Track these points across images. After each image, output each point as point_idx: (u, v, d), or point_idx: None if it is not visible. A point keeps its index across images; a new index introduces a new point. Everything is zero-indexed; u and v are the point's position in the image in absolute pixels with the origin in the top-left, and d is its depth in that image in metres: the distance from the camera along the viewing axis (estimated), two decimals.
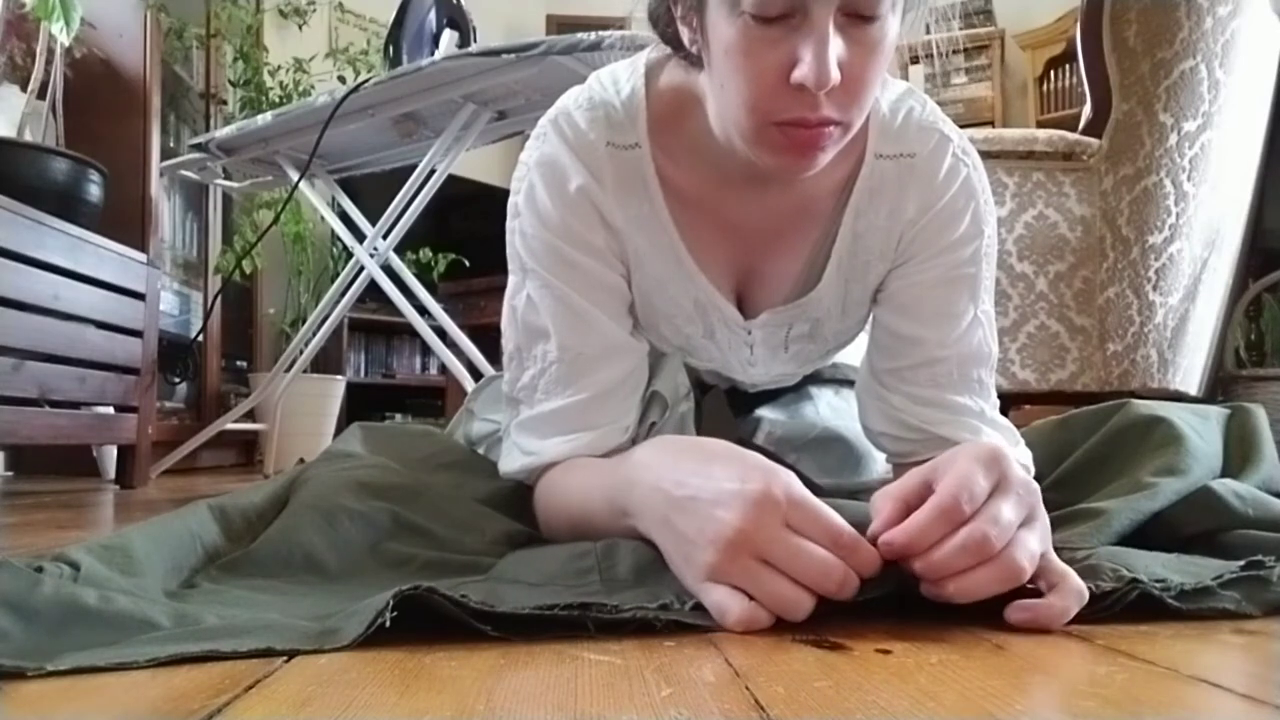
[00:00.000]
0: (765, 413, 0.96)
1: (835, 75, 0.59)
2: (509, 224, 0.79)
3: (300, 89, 3.11)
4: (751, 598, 0.49)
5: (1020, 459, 0.72)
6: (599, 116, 0.76)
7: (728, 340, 0.85)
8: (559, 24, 4.34)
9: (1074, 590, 0.50)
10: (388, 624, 0.45)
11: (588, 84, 0.79)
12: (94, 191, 1.93)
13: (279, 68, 3.14)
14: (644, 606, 0.50)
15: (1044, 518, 0.52)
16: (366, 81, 1.90)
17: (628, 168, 0.76)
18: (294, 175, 2.16)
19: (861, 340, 0.89)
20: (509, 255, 0.79)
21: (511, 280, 0.79)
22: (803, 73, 0.60)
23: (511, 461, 0.78)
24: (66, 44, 2.04)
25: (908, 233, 0.78)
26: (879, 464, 0.93)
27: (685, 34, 0.68)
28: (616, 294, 0.78)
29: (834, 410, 0.99)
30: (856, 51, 0.61)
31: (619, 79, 0.78)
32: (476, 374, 1.91)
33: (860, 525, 0.51)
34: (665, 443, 0.63)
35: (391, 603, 0.46)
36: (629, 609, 0.49)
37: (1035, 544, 0.50)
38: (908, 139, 0.77)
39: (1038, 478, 0.67)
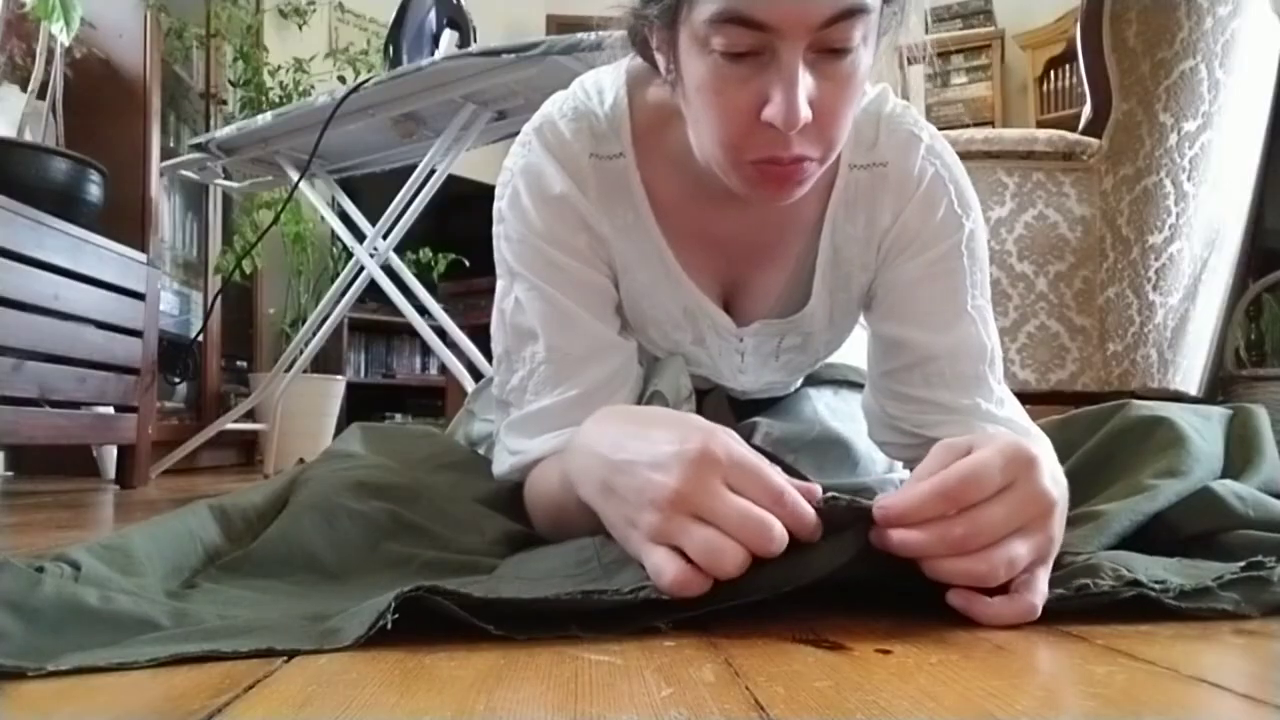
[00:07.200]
0: (763, 413, 0.96)
1: (806, 114, 0.59)
2: (495, 229, 0.80)
3: (300, 89, 3.10)
4: (687, 557, 0.48)
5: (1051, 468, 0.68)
6: (583, 128, 0.77)
7: (718, 347, 0.85)
8: (559, 24, 4.34)
9: (1024, 604, 0.50)
10: (389, 626, 0.45)
11: (572, 90, 0.80)
12: (94, 191, 1.93)
13: (279, 68, 3.14)
14: (642, 585, 0.49)
15: (1051, 533, 0.51)
16: (366, 81, 1.90)
17: (612, 177, 0.77)
18: (294, 175, 2.16)
19: (858, 338, 0.89)
20: (496, 260, 0.80)
21: (499, 284, 0.80)
22: (772, 113, 0.60)
23: (502, 463, 0.78)
24: (66, 44, 2.04)
25: (885, 240, 0.78)
26: (878, 464, 0.93)
27: (661, 61, 0.68)
28: (602, 294, 0.79)
29: (832, 411, 0.99)
30: (828, 87, 0.61)
31: (603, 87, 0.78)
32: (476, 374, 1.91)
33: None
34: (610, 411, 0.62)
35: (393, 604, 0.46)
36: (628, 590, 0.49)
37: (1023, 551, 0.49)
38: (879, 147, 0.77)
39: None
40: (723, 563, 0.47)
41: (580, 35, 1.64)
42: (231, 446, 3.17)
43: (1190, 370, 1.79)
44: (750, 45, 0.59)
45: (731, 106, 0.62)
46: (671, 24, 0.64)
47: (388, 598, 0.47)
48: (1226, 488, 0.70)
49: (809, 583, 0.50)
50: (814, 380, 1.02)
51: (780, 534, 0.47)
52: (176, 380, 2.68)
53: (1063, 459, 0.81)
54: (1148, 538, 0.67)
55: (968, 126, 3.60)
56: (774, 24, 0.58)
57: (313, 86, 3.11)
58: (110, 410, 1.99)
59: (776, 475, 0.50)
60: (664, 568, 0.48)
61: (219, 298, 2.69)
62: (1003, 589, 0.50)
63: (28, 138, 2.00)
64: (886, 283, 0.79)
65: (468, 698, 0.38)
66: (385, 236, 2.10)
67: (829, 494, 0.51)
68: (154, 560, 0.58)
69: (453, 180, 2.16)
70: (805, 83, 0.59)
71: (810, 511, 0.49)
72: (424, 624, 0.47)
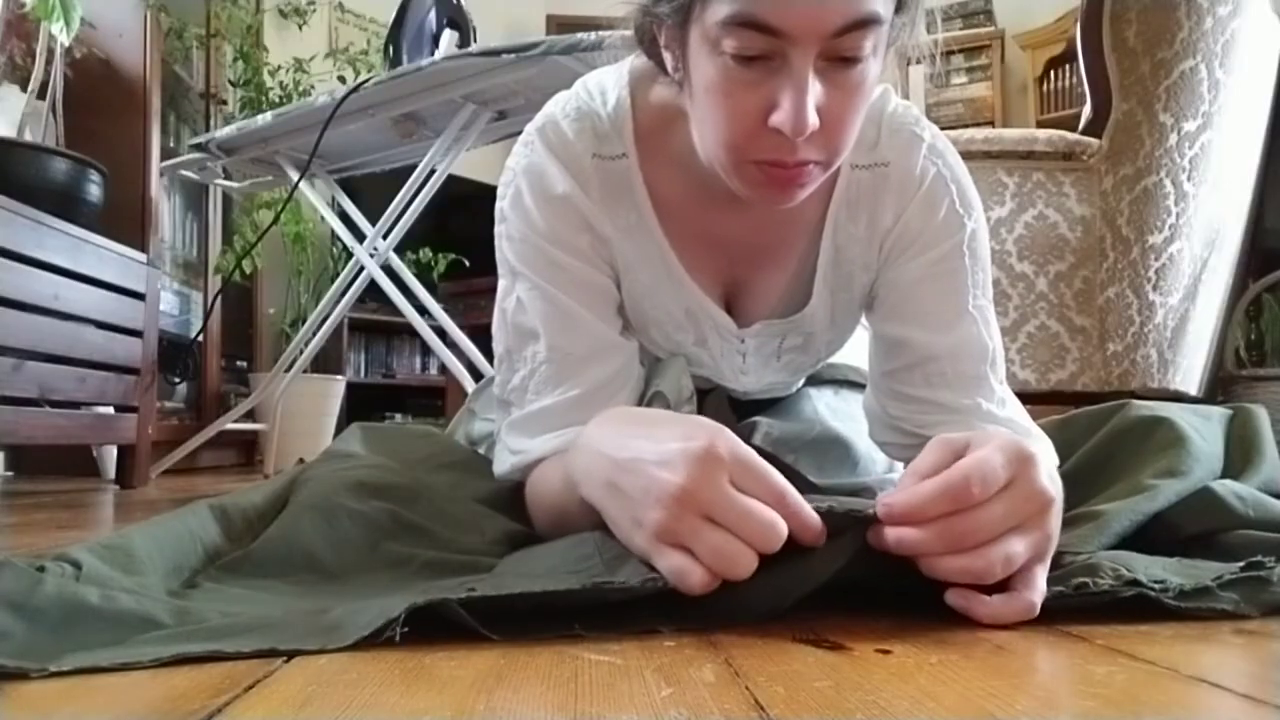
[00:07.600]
0: (764, 413, 0.96)
1: (813, 121, 0.60)
2: (496, 229, 0.80)
3: (300, 89, 3.10)
4: (695, 556, 0.48)
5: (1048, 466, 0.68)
6: (585, 128, 0.77)
7: (720, 348, 0.85)
8: (559, 24, 4.34)
9: (1023, 602, 0.50)
10: (398, 639, 0.45)
11: (575, 91, 0.80)
12: (94, 191, 1.93)
13: (279, 68, 3.14)
14: (652, 578, 0.49)
15: (1049, 530, 0.51)
16: (366, 81, 1.90)
17: (614, 178, 0.77)
18: (294, 175, 2.16)
19: (860, 338, 0.89)
20: (498, 259, 0.80)
21: (501, 284, 0.80)
22: (780, 119, 0.60)
23: (502, 463, 0.78)
24: (66, 44, 2.04)
25: (887, 240, 0.78)
26: (878, 464, 0.93)
27: (669, 59, 0.68)
28: (604, 294, 0.79)
29: (832, 411, 0.99)
30: (836, 95, 0.61)
31: (606, 88, 0.79)
32: (476, 374, 1.91)
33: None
34: (614, 413, 0.63)
35: (402, 616, 0.46)
36: (635, 581, 0.49)
37: (1020, 549, 0.49)
38: (881, 147, 0.77)
39: None
40: (735, 569, 0.48)
41: (580, 35, 1.64)
42: (231, 446, 3.17)
43: (1190, 370, 1.79)
44: (762, 50, 0.59)
45: (739, 109, 0.62)
46: (683, 23, 0.64)
47: (394, 605, 0.46)
48: (1226, 488, 0.70)
49: (809, 590, 0.50)
50: (815, 380, 1.02)
51: (784, 532, 0.48)
52: (176, 380, 2.68)
53: (1063, 459, 0.81)
54: (1148, 538, 0.67)
55: (968, 126, 3.60)
56: (787, 30, 0.58)
57: (313, 86, 3.11)
58: (110, 410, 1.99)
59: (780, 477, 0.50)
60: (688, 570, 0.48)
61: (219, 298, 2.69)
62: (1001, 587, 0.50)
63: (28, 138, 2.00)
64: (888, 282, 0.79)
65: (468, 698, 0.38)
66: (385, 236, 2.10)
67: (826, 505, 0.51)
68: (155, 560, 0.58)
69: (453, 180, 2.16)
70: (814, 90, 0.60)
71: (813, 514, 0.50)
72: (424, 624, 0.47)
